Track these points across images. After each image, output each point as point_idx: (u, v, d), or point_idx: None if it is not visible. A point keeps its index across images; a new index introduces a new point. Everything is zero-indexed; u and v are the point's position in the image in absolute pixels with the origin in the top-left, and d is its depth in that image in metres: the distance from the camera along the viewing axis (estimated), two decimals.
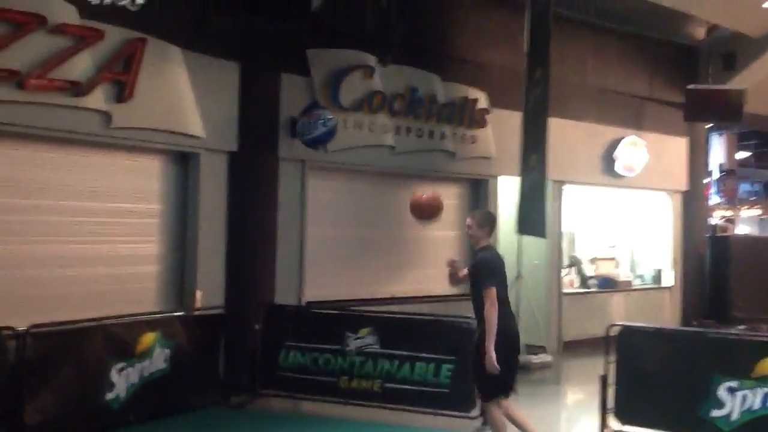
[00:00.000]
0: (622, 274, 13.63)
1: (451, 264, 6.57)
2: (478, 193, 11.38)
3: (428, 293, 10.48)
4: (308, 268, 9.45)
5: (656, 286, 14.03)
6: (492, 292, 6.00)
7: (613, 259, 13.75)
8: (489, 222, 6.40)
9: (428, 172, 10.63)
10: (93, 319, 6.97)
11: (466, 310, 10.37)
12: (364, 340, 8.03)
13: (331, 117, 9.05)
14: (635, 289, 13.64)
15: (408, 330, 8.08)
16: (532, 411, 8.84)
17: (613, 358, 7.17)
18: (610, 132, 12.93)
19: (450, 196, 11.28)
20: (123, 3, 3.58)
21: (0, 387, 6.15)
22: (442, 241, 11.07)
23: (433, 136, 10.50)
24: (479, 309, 6.13)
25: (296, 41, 9.07)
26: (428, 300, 10.28)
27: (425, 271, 10.72)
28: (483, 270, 6.14)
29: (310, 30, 9.10)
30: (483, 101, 10.97)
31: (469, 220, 6.43)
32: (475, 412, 7.56)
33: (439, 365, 7.72)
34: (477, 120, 10.91)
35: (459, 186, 11.31)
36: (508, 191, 11.21)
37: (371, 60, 9.74)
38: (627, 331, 7.34)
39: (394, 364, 7.86)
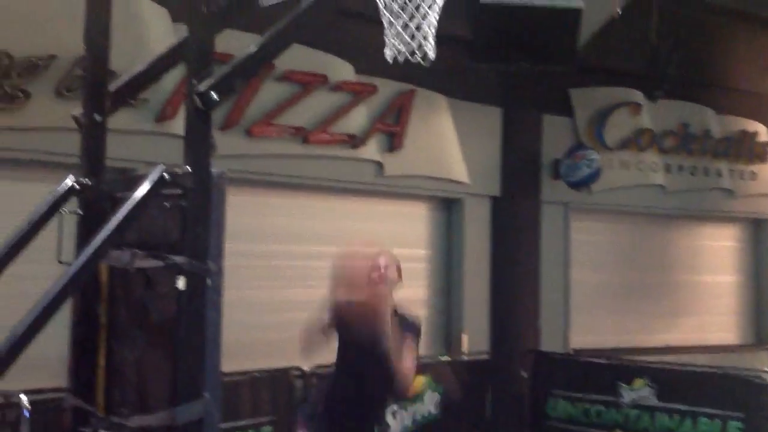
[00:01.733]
0: None
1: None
2: (760, 234, 10.47)
3: (705, 342, 9.73)
4: (573, 314, 9.15)
5: None
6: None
7: None
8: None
9: (703, 212, 9.96)
10: None
11: (751, 361, 9.61)
12: (639, 392, 7.58)
13: (595, 157, 8.80)
14: None
15: (689, 382, 7.51)
16: None
17: None
18: None
19: (728, 239, 10.51)
20: (417, 59, 3.63)
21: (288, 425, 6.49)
22: (720, 287, 10.28)
23: (709, 174, 9.84)
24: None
25: (558, 82, 8.93)
26: (706, 350, 9.52)
27: (701, 318, 9.99)
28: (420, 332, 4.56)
29: (572, 70, 8.91)
30: (764, 134, 10.12)
31: (385, 261, 4.38)
32: None
33: (726, 422, 7.09)
34: (757, 154, 10.10)
35: (738, 227, 10.49)
36: None
37: (638, 96, 9.36)
38: None
39: (674, 419, 7.34)
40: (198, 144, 2.48)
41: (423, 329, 7.69)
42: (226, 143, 6.68)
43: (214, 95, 2.37)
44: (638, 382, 7.57)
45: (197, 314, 2.94)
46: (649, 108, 9.40)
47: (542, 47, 8.29)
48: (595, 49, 8.62)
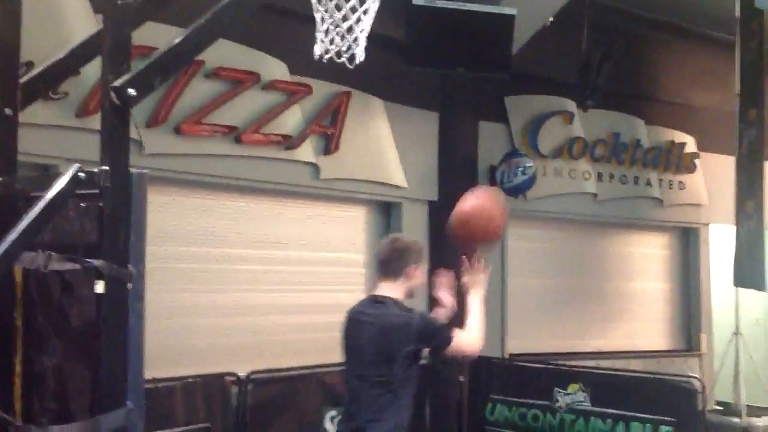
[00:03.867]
0: None
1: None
2: (689, 243, 10.71)
3: (638, 348, 9.91)
4: (510, 320, 9.21)
5: None
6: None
7: None
8: None
9: (633, 220, 10.13)
10: (307, 367, 7.11)
11: (681, 367, 9.82)
12: (574, 396, 7.65)
13: (530, 164, 8.88)
14: None
15: (621, 387, 7.62)
16: None
17: None
18: None
19: (658, 246, 10.71)
20: (342, 60, 3.57)
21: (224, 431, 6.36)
22: (651, 293, 10.47)
23: (638, 183, 10.02)
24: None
25: (494, 89, 8.99)
26: (638, 355, 9.69)
27: (633, 324, 10.16)
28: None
29: (507, 77, 8.98)
30: (691, 145, 10.37)
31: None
32: None
33: (657, 426, 7.19)
34: (685, 165, 10.32)
35: (667, 235, 10.69)
36: (721, 240, 10.46)
37: (571, 105, 9.48)
38: None
39: (607, 424, 7.42)
40: (116, 142, 2.37)
41: None
42: (153, 141, 6.51)
43: (131, 91, 2.27)
44: (573, 387, 7.64)
45: (118, 320, 2.83)
46: (581, 117, 9.52)
47: (477, 53, 8.40)
48: (529, 57, 8.72)
